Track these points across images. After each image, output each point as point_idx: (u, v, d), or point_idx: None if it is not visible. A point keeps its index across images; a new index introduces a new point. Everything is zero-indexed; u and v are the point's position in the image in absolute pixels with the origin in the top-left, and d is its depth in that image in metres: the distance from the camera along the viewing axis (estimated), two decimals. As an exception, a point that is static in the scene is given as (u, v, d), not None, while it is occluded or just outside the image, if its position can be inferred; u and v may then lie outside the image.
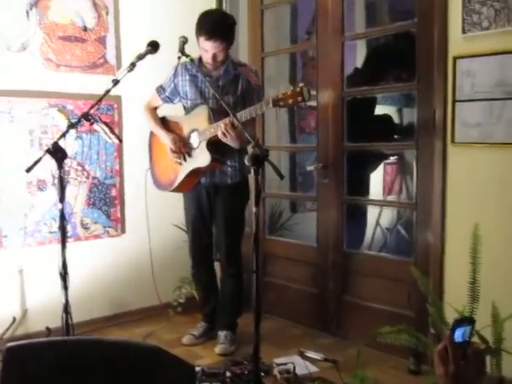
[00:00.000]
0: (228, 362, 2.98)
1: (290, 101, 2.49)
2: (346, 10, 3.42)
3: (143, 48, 2.76)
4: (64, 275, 2.45)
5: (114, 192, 3.73)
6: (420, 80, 3.01)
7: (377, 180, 4.91)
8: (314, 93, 3.56)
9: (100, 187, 3.66)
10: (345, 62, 3.44)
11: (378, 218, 4.75)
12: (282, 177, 2.27)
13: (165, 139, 3.16)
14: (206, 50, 2.95)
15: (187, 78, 3.14)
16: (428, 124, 2.95)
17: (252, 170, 2.26)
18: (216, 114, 2.95)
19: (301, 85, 2.47)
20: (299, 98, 2.46)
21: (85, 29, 3.55)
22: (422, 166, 3.03)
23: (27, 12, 3.32)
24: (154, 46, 2.74)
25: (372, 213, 4.76)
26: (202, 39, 2.92)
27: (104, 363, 1.61)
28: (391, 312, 3.17)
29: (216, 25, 2.91)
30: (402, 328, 2.56)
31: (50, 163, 3.22)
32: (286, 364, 2.85)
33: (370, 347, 2.99)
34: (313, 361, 3.04)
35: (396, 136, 4.80)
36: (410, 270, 2.69)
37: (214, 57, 2.97)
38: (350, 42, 3.78)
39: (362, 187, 4.56)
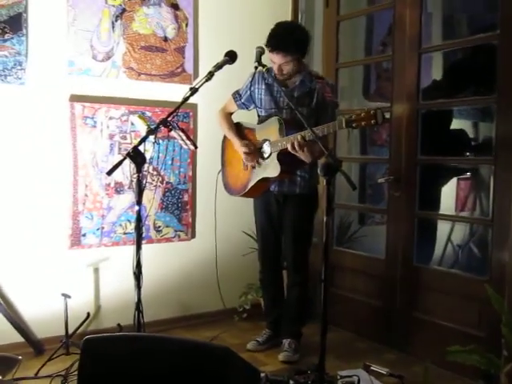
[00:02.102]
0: (292, 370, 2.98)
1: (363, 123, 2.47)
2: (423, 21, 3.38)
3: (220, 58, 2.83)
4: (138, 275, 2.52)
5: (186, 197, 3.84)
6: (500, 93, 2.92)
7: (449, 195, 4.78)
8: (387, 104, 3.54)
9: (173, 192, 3.78)
10: (421, 75, 3.39)
11: (450, 234, 4.61)
12: (354, 187, 2.27)
13: (237, 144, 3.23)
14: (273, 61, 2.99)
15: (263, 86, 3.19)
16: (508, 139, 2.85)
17: (324, 180, 2.27)
18: (288, 126, 2.97)
19: (375, 108, 2.45)
20: (372, 121, 2.43)
21: (165, 39, 3.69)
22: (501, 182, 2.93)
23: (112, 23, 3.50)
24: (231, 56, 2.81)
25: (443, 228, 4.63)
26: (268, 50, 2.97)
27: (174, 360, 1.67)
28: (460, 331, 3.07)
29: (281, 37, 2.93)
30: (473, 348, 2.48)
31: (127, 167, 3.40)
32: (350, 376, 2.82)
33: (437, 365, 2.91)
34: (378, 375, 2.99)
35: (471, 151, 4.66)
36: (482, 288, 2.60)
37: (280, 68, 3.00)
38: (427, 54, 3.72)
39: (434, 202, 4.45)
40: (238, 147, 3.21)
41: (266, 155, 3.12)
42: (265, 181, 3.16)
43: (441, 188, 4.63)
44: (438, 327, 3.21)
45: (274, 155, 3.04)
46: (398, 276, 3.48)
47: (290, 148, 2.87)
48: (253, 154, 3.16)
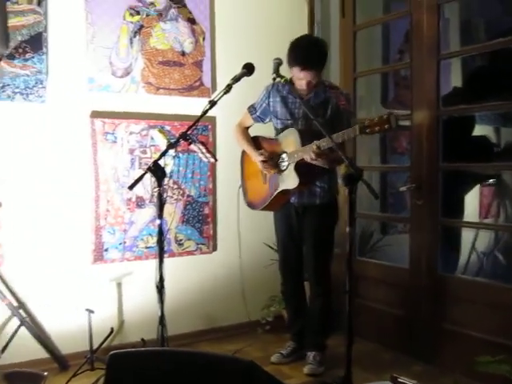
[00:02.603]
0: (317, 382, 2.95)
1: (377, 128, 2.45)
2: (441, 27, 3.36)
3: (237, 71, 2.83)
4: (160, 289, 2.53)
5: (206, 210, 3.84)
6: (522, 98, 2.88)
7: (472, 202, 4.71)
8: (407, 112, 3.51)
9: (194, 205, 3.79)
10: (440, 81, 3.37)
11: (474, 242, 4.54)
12: (377, 197, 2.24)
13: (253, 155, 3.23)
14: (300, 78, 2.99)
15: (278, 98, 3.20)
16: (531, 144, 2.81)
17: (345, 190, 2.26)
18: (305, 136, 2.97)
19: (388, 112, 2.43)
20: (386, 126, 2.42)
21: (183, 53, 3.72)
22: (525, 188, 2.88)
23: (131, 39, 3.54)
24: (249, 69, 2.81)
25: (467, 236, 4.56)
26: (296, 69, 2.96)
27: (199, 375, 1.66)
28: (488, 340, 3.01)
29: (310, 55, 2.94)
30: (503, 358, 2.43)
31: (148, 181, 3.43)
32: (377, 389, 2.78)
33: (466, 377, 2.86)
34: (405, 387, 2.94)
35: (493, 157, 4.59)
36: (509, 296, 2.55)
37: (309, 83, 3.01)
38: (445, 60, 3.69)
39: (457, 209, 4.39)
40: (255, 157, 3.21)
41: (283, 167, 3.12)
42: (284, 193, 3.16)
43: (464, 195, 4.57)
44: (466, 337, 3.15)
45: (292, 166, 3.03)
46: (422, 285, 3.43)
47: (307, 158, 2.86)
48: (269, 161, 3.15)
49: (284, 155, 3.12)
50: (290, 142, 3.06)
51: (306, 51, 2.96)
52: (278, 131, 3.24)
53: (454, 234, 4.35)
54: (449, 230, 3.84)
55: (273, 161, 3.16)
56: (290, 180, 3.06)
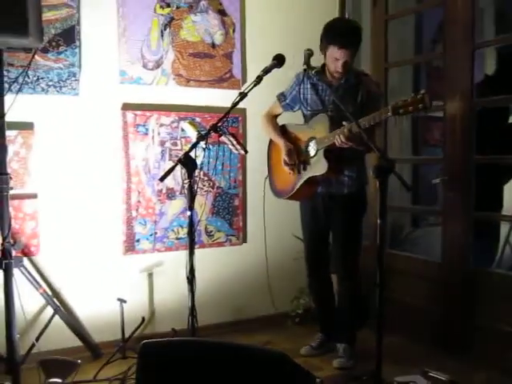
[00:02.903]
0: (347, 375, 2.94)
1: (410, 108, 2.40)
2: (476, 16, 3.29)
3: (267, 62, 2.81)
4: (191, 279, 2.55)
5: (236, 202, 3.85)
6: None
7: (508, 195, 4.61)
8: (439, 103, 3.45)
9: (224, 197, 3.80)
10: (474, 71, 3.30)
11: (508, 236, 4.45)
12: (409, 189, 2.22)
13: (282, 146, 3.21)
14: (337, 58, 2.96)
15: (308, 86, 3.17)
16: None
17: (377, 182, 2.23)
18: (335, 122, 2.93)
19: (422, 91, 2.37)
20: (420, 106, 2.36)
21: (213, 45, 3.73)
22: None
23: (161, 32, 3.56)
24: (279, 60, 2.79)
25: (501, 230, 4.47)
26: (333, 48, 2.93)
27: (230, 365, 1.67)
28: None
29: (348, 33, 2.93)
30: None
31: (179, 173, 3.45)
32: (407, 383, 2.76)
33: (499, 373, 2.81)
34: (436, 381, 2.91)
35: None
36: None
37: (345, 64, 2.97)
38: (479, 50, 3.61)
39: (492, 202, 4.30)
40: (282, 146, 3.20)
41: (312, 153, 3.09)
42: (312, 181, 3.12)
43: (499, 188, 4.48)
44: (499, 333, 3.09)
45: (321, 152, 3.00)
46: (454, 279, 3.38)
47: (337, 141, 2.82)
48: (292, 165, 3.15)
49: (313, 142, 3.09)
50: (320, 127, 3.03)
51: (344, 30, 2.95)
52: (308, 118, 3.22)
53: (487, 228, 4.27)
54: (482, 223, 3.76)
55: (300, 156, 3.14)
56: (318, 166, 3.03)
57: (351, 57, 2.97)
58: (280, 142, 3.25)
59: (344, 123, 2.76)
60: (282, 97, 3.31)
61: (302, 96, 3.21)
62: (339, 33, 2.93)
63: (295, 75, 3.23)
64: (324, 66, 3.08)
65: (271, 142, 3.41)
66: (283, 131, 3.31)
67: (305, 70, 2.85)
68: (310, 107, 3.19)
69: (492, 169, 3.79)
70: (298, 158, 3.17)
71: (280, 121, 3.39)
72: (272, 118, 3.38)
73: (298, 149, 3.19)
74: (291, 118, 3.39)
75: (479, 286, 3.26)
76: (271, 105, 3.38)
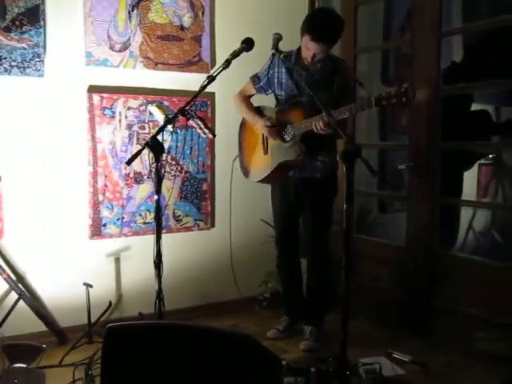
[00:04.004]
0: (313, 358, 2.98)
1: (393, 100, 2.41)
2: (443, 5, 3.32)
3: (236, 46, 2.80)
4: (158, 264, 2.54)
5: (205, 186, 3.84)
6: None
7: (470, 181, 4.71)
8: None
9: (192, 181, 3.78)
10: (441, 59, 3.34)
11: (471, 221, 4.55)
12: (375, 174, 2.24)
13: (259, 122, 3.17)
14: (308, 48, 2.96)
15: (283, 70, 3.15)
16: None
17: (344, 167, 2.25)
18: (311, 108, 2.93)
19: (406, 85, 2.38)
20: (403, 99, 2.38)
21: (182, 28, 3.68)
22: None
23: (129, 13, 3.50)
24: (248, 44, 2.77)
25: (464, 215, 4.57)
26: (306, 38, 2.93)
27: (196, 347, 1.67)
28: (483, 318, 3.04)
29: (325, 28, 2.90)
30: (498, 335, 2.46)
31: (146, 157, 3.42)
32: (372, 364, 2.81)
33: (460, 353, 2.89)
34: (400, 363, 2.98)
35: (493, 135, 4.57)
36: (505, 275, 2.57)
37: (314, 57, 2.97)
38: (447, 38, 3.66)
39: (455, 188, 4.39)
40: (260, 123, 3.16)
41: (287, 138, 3.10)
42: (285, 166, 3.14)
43: (462, 173, 4.57)
44: (460, 315, 3.17)
45: (298, 137, 3.01)
46: (418, 263, 3.45)
47: (317, 127, 2.82)
48: (276, 127, 3.12)
49: (288, 126, 3.10)
50: (297, 113, 3.03)
51: (321, 22, 2.91)
52: (282, 102, 3.21)
53: (451, 213, 4.36)
54: (446, 208, 3.84)
55: (278, 128, 3.13)
56: (294, 151, 3.04)
57: (324, 50, 2.96)
58: (255, 119, 3.22)
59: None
60: (256, 79, 3.28)
61: (276, 80, 3.20)
62: (316, 26, 2.90)
63: (269, 57, 3.19)
64: (299, 49, 3.08)
65: (243, 123, 3.40)
66: (259, 112, 3.28)
67: (273, 54, 2.84)
68: (284, 91, 3.18)
69: (454, 155, 3.85)
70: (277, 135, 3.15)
71: (252, 102, 3.37)
72: (245, 97, 3.35)
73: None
74: (262, 101, 3.37)
75: (442, 270, 3.33)
76: (245, 85, 3.35)
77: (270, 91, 3.28)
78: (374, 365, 2.80)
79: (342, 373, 2.40)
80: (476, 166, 4.71)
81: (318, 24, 2.90)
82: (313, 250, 3.32)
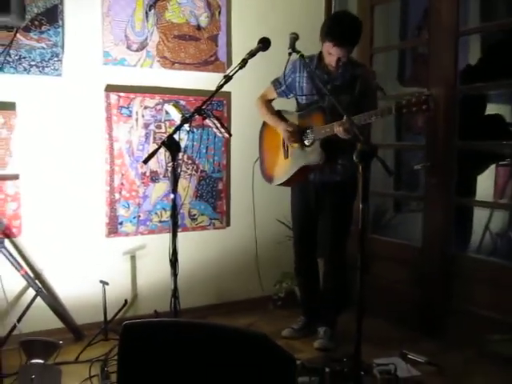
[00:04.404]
0: (327, 357, 2.98)
1: (414, 109, 2.41)
2: (460, 4, 3.30)
3: (253, 45, 2.80)
4: (174, 262, 2.55)
5: (220, 185, 3.85)
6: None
7: (487, 182, 4.66)
8: (424, 89, 3.46)
9: (207, 180, 3.80)
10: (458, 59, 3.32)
11: (488, 222, 4.51)
12: (391, 173, 2.23)
13: (281, 126, 3.19)
14: (331, 53, 2.96)
15: (305, 74, 3.15)
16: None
17: (360, 167, 2.24)
18: (332, 113, 2.93)
19: (427, 93, 2.37)
20: (424, 107, 2.37)
21: (198, 27, 3.70)
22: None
23: (146, 13, 3.52)
24: (264, 43, 2.77)
25: (481, 216, 4.53)
26: (329, 44, 2.93)
27: (212, 346, 1.68)
28: (499, 320, 3.01)
29: (346, 32, 2.91)
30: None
31: (162, 156, 3.44)
32: (386, 365, 2.80)
33: (475, 355, 2.87)
34: (415, 363, 2.97)
35: (508, 140, 4.52)
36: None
37: (338, 61, 2.98)
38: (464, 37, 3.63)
39: (471, 188, 4.36)
40: (282, 127, 3.17)
41: (307, 143, 3.10)
42: (305, 169, 3.15)
43: (479, 175, 4.53)
44: (478, 316, 3.15)
45: (318, 142, 3.02)
46: (434, 264, 3.43)
47: (339, 132, 2.82)
48: (296, 133, 3.12)
49: (309, 131, 3.10)
50: (317, 117, 3.03)
51: (342, 27, 2.91)
52: (303, 107, 3.21)
53: (467, 214, 4.32)
54: (462, 209, 3.81)
55: (299, 132, 3.14)
56: (314, 155, 3.05)
57: (346, 54, 2.96)
58: (277, 123, 3.24)
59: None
60: (277, 83, 3.29)
61: (297, 84, 3.20)
62: (337, 30, 2.90)
63: (291, 62, 3.17)
64: (321, 54, 3.08)
65: (264, 126, 3.41)
66: (280, 116, 3.29)
67: (289, 53, 2.82)
68: (305, 96, 3.18)
69: (468, 158, 3.82)
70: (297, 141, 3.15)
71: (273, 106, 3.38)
72: (266, 101, 3.37)
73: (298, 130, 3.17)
74: (283, 105, 3.38)
75: (457, 271, 3.31)
76: (266, 89, 3.36)
77: (292, 95, 3.28)
78: (388, 365, 2.79)
79: (357, 373, 2.39)
80: (491, 168, 4.66)
81: (340, 30, 2.90)
82: (331, 253, 3.32)
